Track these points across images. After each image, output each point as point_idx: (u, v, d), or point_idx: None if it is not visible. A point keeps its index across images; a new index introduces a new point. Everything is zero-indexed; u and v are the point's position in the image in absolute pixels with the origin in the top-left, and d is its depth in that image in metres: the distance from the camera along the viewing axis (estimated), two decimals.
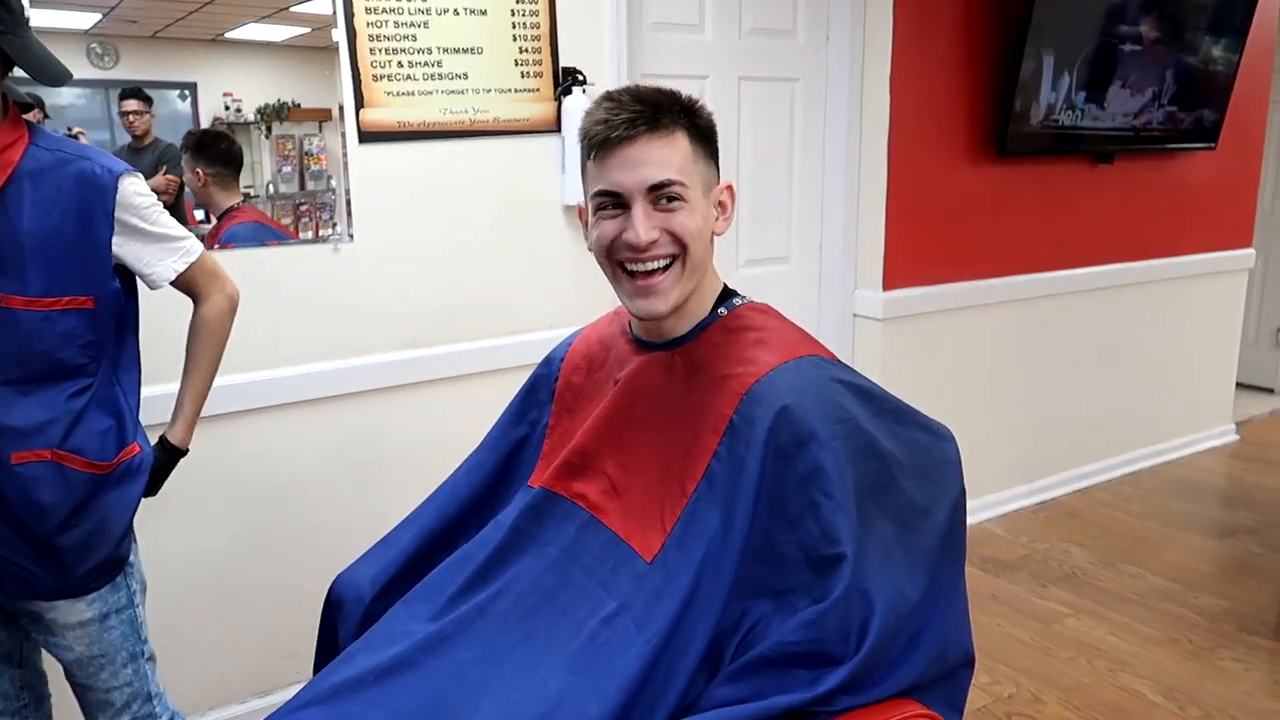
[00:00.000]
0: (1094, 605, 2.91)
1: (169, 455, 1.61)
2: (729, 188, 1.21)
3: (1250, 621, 2.80)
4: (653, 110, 1.10)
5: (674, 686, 1.06)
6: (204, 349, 1.60)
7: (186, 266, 1.52)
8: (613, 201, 1.13)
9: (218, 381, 2.09)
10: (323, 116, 2.22)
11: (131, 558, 1.58)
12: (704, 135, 1.16)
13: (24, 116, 1.42)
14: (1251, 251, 4.29)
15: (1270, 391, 5.13)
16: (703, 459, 1.13)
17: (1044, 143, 3.32)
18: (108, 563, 1.51)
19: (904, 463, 1.15)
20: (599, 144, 1.11)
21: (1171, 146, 3.76)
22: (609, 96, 1.13)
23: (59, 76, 1.42)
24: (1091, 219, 3.64)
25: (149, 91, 2.07)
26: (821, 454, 1.07)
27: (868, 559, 1.06)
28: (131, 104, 2.05)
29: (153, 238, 1.47)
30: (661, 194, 1.11)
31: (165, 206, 1.53)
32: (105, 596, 1.52)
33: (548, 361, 1.40)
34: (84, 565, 1.46)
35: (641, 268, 1.13)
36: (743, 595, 1.08)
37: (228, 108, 2.14)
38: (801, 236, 3.19)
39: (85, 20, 1.97)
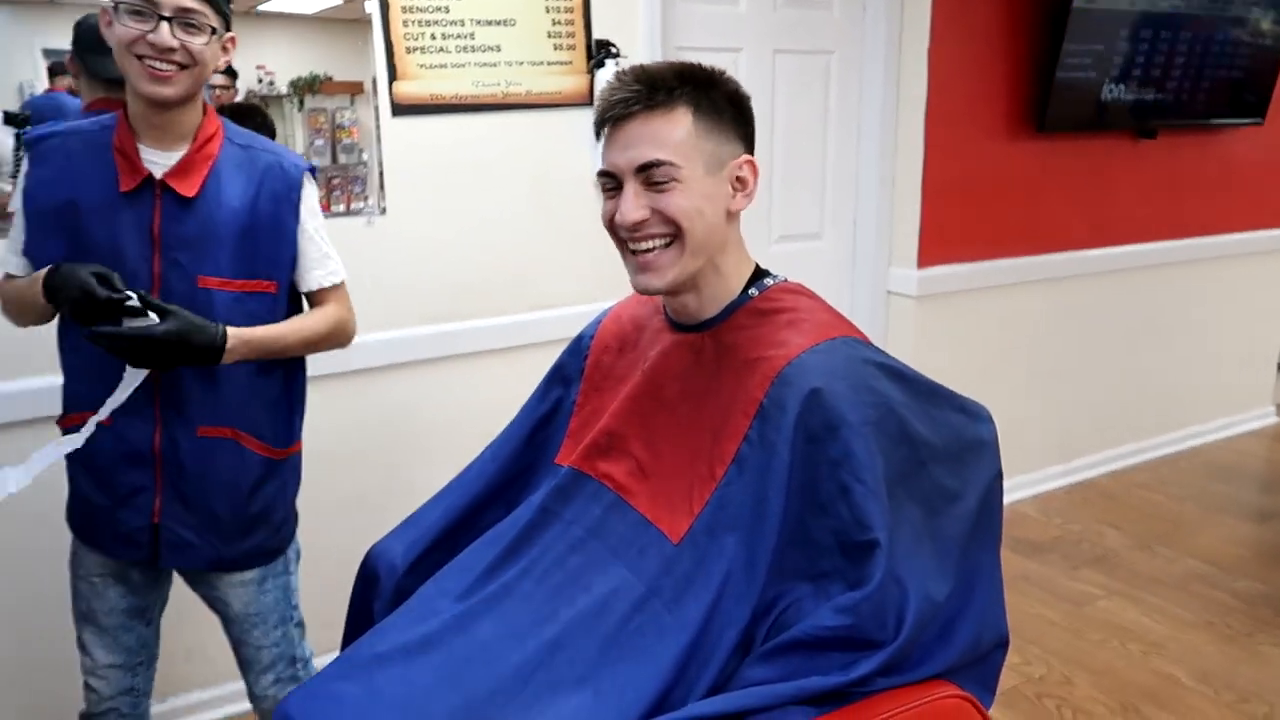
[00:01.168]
0: (1127, 588, 2.88)
1: (211, 339, 1.40)
2: (749, 162, 1.16)
3: None
4: (649, 89, 1.09)
5: (709, 671, 1.06)
6: (304, 324, 1.55)
7: (331, 285, 1.58)
8: (612, 181, 1.14)
9: None
10: (355, 89, 2.22)
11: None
12: (717, 109, 1.12)
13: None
14: None
15: None
16: (733, 442, 1.12)
17: (1085, 117, 3.25)
18: (266, 545, 1.59)
19: (936, 446, 1.14)
20: (598, 124, 1.13)
21: (1216, 121, 3.67)
22: (618, 75, 1.13)
23: None
24: (1132, 196, 3.56)
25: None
26: (853, 438, 1.06)
27: (900, 545, 1.05)
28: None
29: (316, 243, 1.55)
30: (652, 173, 1.10)
31: None
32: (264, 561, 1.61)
33: (578, 339, 1.40)
34: (245, 544, 1.55)
35: (639, 246, 1.13)
36: (777, 579, 1.07)
37: (260, 80, 2.14)
38: (835, 212, 3.15)
39: None
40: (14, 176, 1.90)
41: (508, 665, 1.09)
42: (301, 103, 2.19)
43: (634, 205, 1.10)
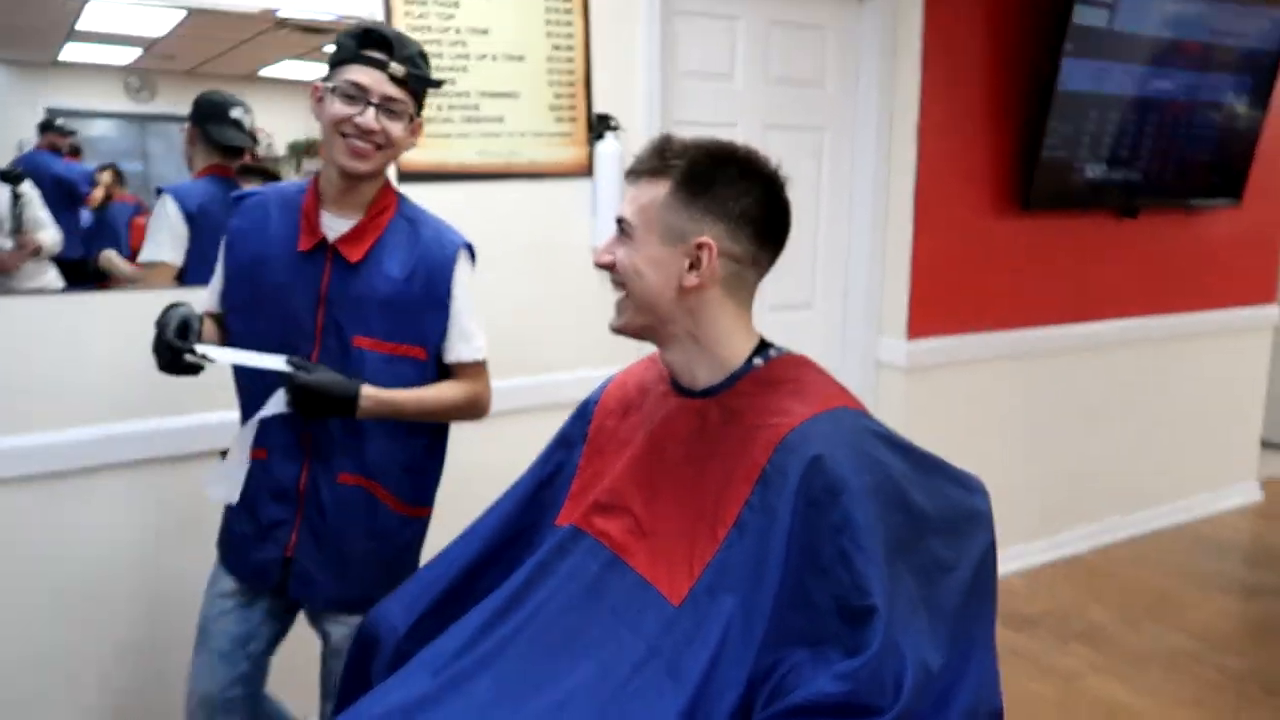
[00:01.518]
0: (1116, 663, 2.87)
1: (345, 393, 1.52)
2: (708, 246, 1.17)
3: (1276, 684, 2.75)
4: (658, 156, 1.19)
5: None
6: (440, 393, 1.63)
7: (471, 360, 1.65)
8: None
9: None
10: None
11: None
12: (699, 188, 1.17)
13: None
14: (1276, 309, 4.27)
15: None
16: (734, 506, 1.14)
17: (1069, 196, 3.34)
18: (378, 595, 1.57)
19: (932, 517, 1.15)
20: (626, 177, 1.25)
21: (1195, 202, 3.78)
22: (652, 139, 1.23)
23: None
24: (1116, 272, 3.64)
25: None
26: (853, 505, 1.08)
27: (898, 613, 1.06)
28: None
29: (462, 319, 1.63)
30: (620, 226, 1.21)
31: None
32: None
33: (584, 404, 1.42)
34: (365, 591, 1.58)
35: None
36: (776, 644, 1.07)
37: (259, 142, 2.18)
38: (826, 283, 3.20)
39: (126, 56, 2.02)
40: (15, 232, 1.93)
41: None
42: (299, 165, 2.23)
43: (603, 248, 1.23)
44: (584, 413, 1.40)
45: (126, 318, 2.00)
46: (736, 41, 2.85)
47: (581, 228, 2.47)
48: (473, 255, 1.68)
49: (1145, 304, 3.75)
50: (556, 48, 2.40)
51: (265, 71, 2.18)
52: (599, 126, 2.49)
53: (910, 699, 1.03)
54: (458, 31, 2.27)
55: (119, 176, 2.08)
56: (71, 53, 1.99)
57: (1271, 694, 2.70)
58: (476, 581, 1.33)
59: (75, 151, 2.02)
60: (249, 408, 1.60)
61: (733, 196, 1.18)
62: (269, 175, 2.17)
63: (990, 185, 3.22)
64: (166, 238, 2.05)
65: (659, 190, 1.18)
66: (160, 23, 2.02)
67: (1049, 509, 3.62)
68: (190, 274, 2.04)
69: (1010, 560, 3.49)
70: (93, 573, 2.04)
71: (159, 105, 2.07)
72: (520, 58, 2.36)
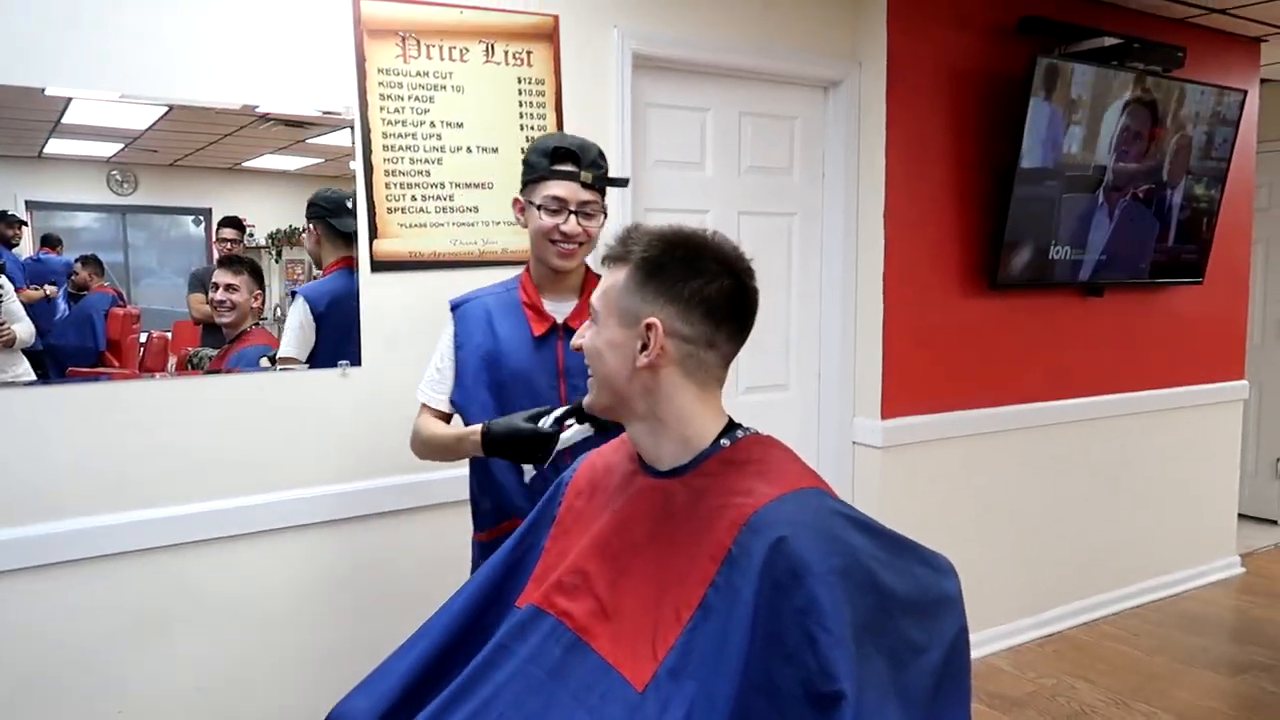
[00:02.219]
0: None
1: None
2: (653, 325, 1.19)
3: None
4: (622, 245, 1.24)
5: None
6: None
7: None
8: None
9: (214, 505, 2.11)
10: None
11: None
12: (652, 272, 1.20)
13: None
14: (1244, 383, 4.34)
15: (1273, 523, 5.09)
16: (699, 588, 1.12)
17: (1035, 276, 3.40)
18: None
19: (901, 598, 1.13)
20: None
21: (1159, 280, 3.86)
22: (624, 229, 1.28)
23: None
24: (1085, 350, 3.70)
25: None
26: (818, 587, 1.06)
27: (868, 699, 1.04)
28: (229, 233, 2.22)
29: None
30: (590, 310, 1.28)
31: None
32: None
33: (556, 485, 1.41)
34: None
35: None
36: None
37: (244, 230, 2.21)
38: (800, 364, 3.23)
39: (107, 149, 2.06)
40: None
41: None
42: (279, 254, 2.26)
43: (578, 332, 1.29)
44: (555, 494, 1.40)
45: (98, 409, 2.00)
46: (707, 131, 2.94)
47: None
48: None
49: (1116, 381, 3.80)
50: (530, 139, 2.46)
51: (247, 164, 2.22)
52: None
53: None
54: (433, 125, 2.33)
55: (99, 267, 2.10)
56: (55, 147, 2.03)
57: None
58: (444, 671, 1.30)
59: (55, 243, 2.04)
60: (509, 485, 1.82)
61: (683, 279, 1.19)
62: (253, 266, 2.21)
63: (958, 265, 3.28)
64: (295, 337, 2.28)
65: (619, 275, 1.22)
66: (142, 117, 2.06)
67: (1031, 587, 3.60)
68: (318, 359, 2.28)
69: (994, 640, 3.46)
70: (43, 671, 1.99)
71: (140, 197, 2.10)
72: (494, 149, 2.42)
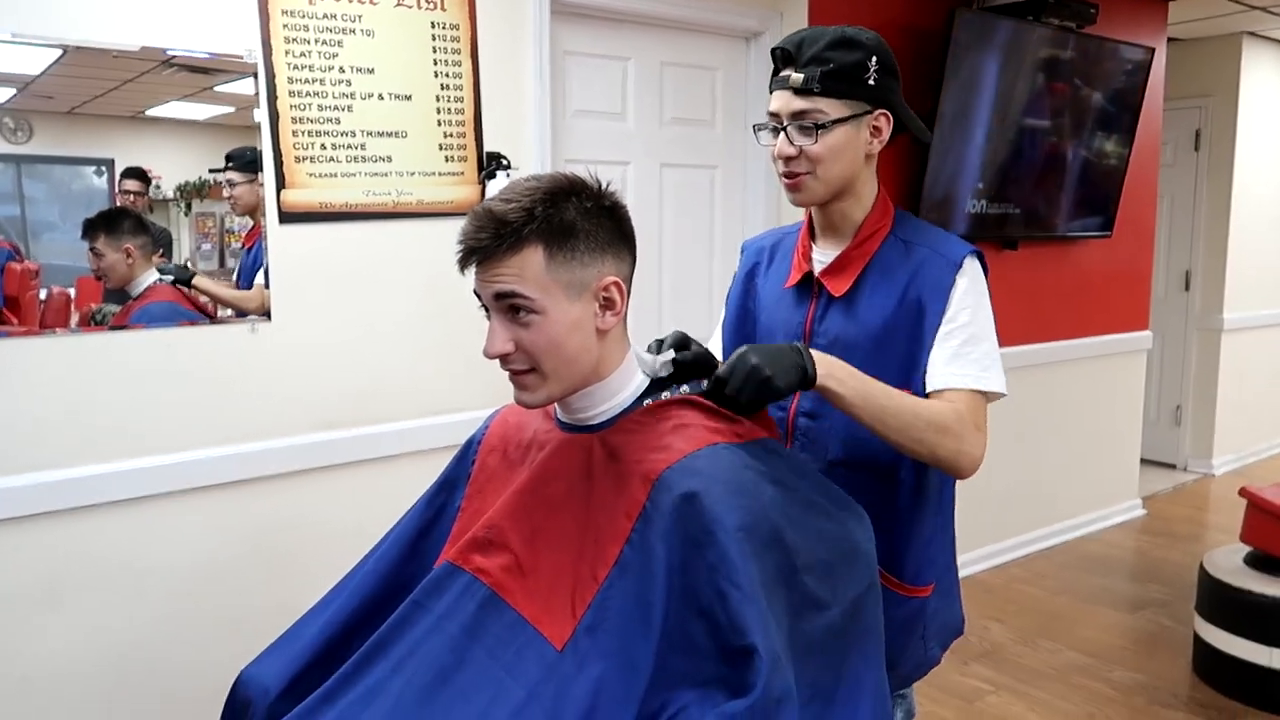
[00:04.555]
0: (1014, 681, 2.94)
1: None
2: (615, 283, 1.15)
3: (1162, 694, 2.86)
4: (494, 235, 1.09)
5: None
6: (913, 404, 1.31)
7: (959, 388, 1.36)
8: (486, 308, 1.16)
9: (121, 466, 2.04)
10: None
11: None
12: (570, 235, 1.11)
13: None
14: (1149, 334, 4.51)
15: (1172, 467, 5.34)
16: (615, 545, 1.12)
17: (949, 228, 3.45)
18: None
19: (806, 556, 1.14)
20: (461, 261, 1.14)
21: (1070, 235, 3.96)
22: (473, 213, 1.13)
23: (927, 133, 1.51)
24: (998, 302, 3.74)
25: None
26: (729, 543, 1.06)
27: (779, 654, 1.05)
28: (132, 184, 2.08)
29: (951, 340, 1.36)
30: (510, 304, 1.12)
31: None
32: None
33: (467, 444, 1.39)
34: None
35: (508, 369, 1.17)
36: (662, 686, 1.06)
37: (148, 182, 2.12)
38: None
39: None
40: None
41: None
42: (189, 207, 2.17)
43: (497, 339, 1.13)
44: (466, 452, 1.37)
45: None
46: (628, 81, 2.90)
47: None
48: (982, 261, 1.44)
49: (1028, 332, 3.91)
50: (445, 87, 2.39)
51: (151, 112, 2.12)
52: (490, 165, 2.49)
53: None
54: (342, 70, 2.24)
55: None
56: None
57: (1158, 705, 2.80)
58: (356, 631, 1.27)
59: None
60: None
61: (593, 225, 1.14)
62: (112, 219, 2.10)
63: None
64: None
65: (530, 256, 1.10)
66: (35, 60, 1.95)
67: None
68: None
69: None
70: None
71: (36, 146, 1.99)
72: (408, 97, 2.34)
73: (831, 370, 1.26)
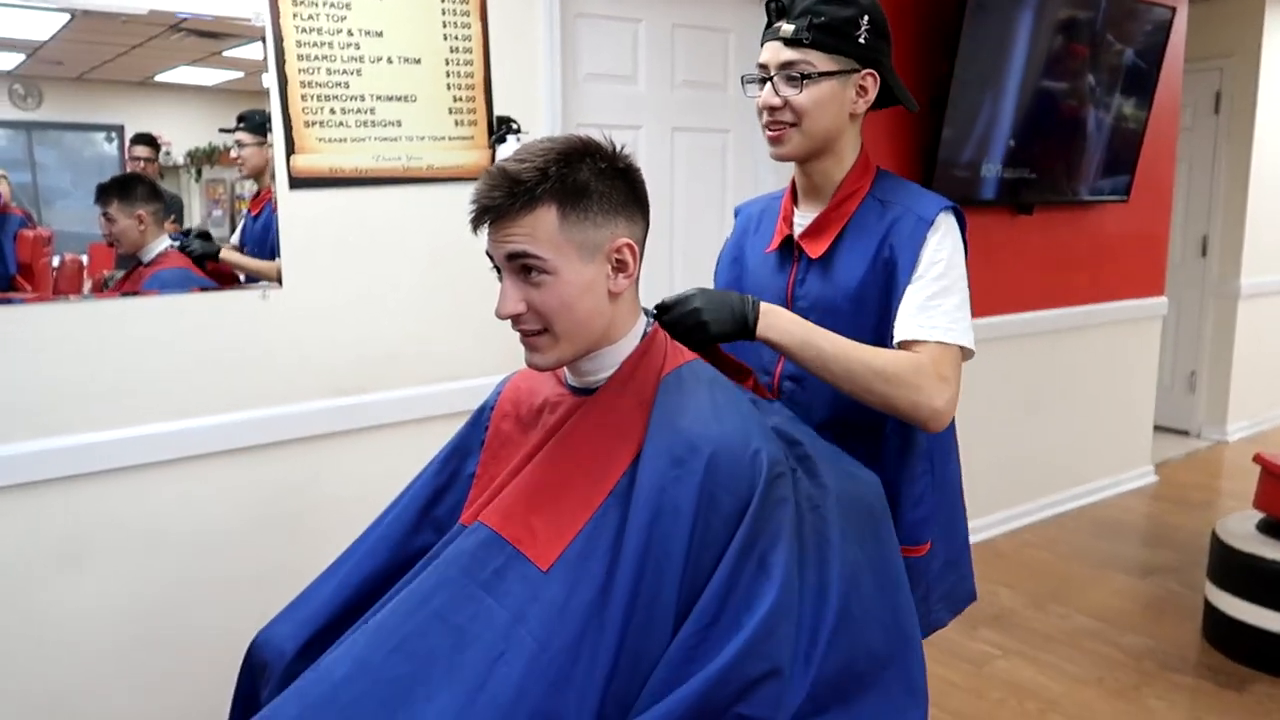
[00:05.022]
0: (1023, 646, 2.95)
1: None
2: (628, 245, 1.15)
3: (1172, 659, 2.87)
4: (509, 193, 1.09)
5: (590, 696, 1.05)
6: (861, 353, 1.29)
7: (926, 339, 1.31)
8: (498, 269, 1.16)
9: (135, 432, 2.05)
10: None
11: None
12: (584, 196, 1.11)
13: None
14: (1164, 300, 4.47)
15: (1186, 434, 5.32)
16: (615, 473, 1.13)
17: (966, 194, 3.43)
18: None
19: (829, 495, 1.17)
20: (473, 220, 1.13)
21: (1087, 199, 3.92)
22: (487, 172, 1.13)
23: (912, 101, 1.50)
24: (1014, 268, 3.76)
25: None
26: (736, 501, 1.08)
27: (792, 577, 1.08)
28: (142, 150, 2.06)
29: (920, 292, 1.34)
30: (522, 264, 1.12)
31: None
32: None
33: (479, 410, 1.39)
34: None
35: (520, 329, 1.16)
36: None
37: (158, 148, 2.11)
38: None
39: (8, 61, 1.94)
40: None
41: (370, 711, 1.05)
42: (199, 173, 2.17)
43: (509, 299, 1.13)
44: (479, 418, 1.38)
45: (10, 333, 1.93)
46: (639, 44, 2.86)
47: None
48: (959, 217, 1.41)
49: (1042, 298, 3.88)
50: (454, 50, 2.37)
51: (161, 77, 2.11)
52: (500, 129, 2.47)
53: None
54: (350, 34, 2.22)
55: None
56: None
57: (1167, 669, 2.81)
58: (369, 597, 1.28)
59: None
60: None
61: (606, 185, 1.14)
62: (125, 185, 2.10)
63: None
64: None
65: (544, 216, 1.10)
66: (44, 26, 1.93)
67: None
68: None
69: None
70: None
71: (46, 113, 1.98)
72: (417, 60, 2.32)
73: (775, 322, 1.28)
